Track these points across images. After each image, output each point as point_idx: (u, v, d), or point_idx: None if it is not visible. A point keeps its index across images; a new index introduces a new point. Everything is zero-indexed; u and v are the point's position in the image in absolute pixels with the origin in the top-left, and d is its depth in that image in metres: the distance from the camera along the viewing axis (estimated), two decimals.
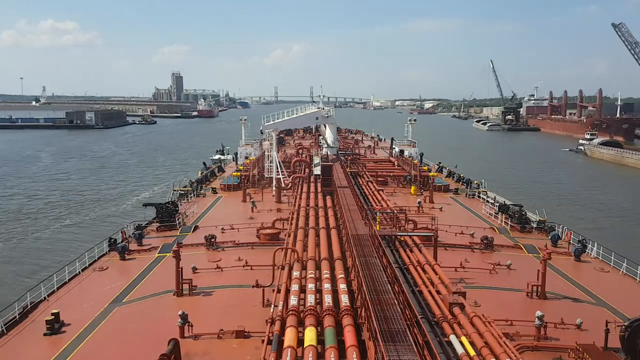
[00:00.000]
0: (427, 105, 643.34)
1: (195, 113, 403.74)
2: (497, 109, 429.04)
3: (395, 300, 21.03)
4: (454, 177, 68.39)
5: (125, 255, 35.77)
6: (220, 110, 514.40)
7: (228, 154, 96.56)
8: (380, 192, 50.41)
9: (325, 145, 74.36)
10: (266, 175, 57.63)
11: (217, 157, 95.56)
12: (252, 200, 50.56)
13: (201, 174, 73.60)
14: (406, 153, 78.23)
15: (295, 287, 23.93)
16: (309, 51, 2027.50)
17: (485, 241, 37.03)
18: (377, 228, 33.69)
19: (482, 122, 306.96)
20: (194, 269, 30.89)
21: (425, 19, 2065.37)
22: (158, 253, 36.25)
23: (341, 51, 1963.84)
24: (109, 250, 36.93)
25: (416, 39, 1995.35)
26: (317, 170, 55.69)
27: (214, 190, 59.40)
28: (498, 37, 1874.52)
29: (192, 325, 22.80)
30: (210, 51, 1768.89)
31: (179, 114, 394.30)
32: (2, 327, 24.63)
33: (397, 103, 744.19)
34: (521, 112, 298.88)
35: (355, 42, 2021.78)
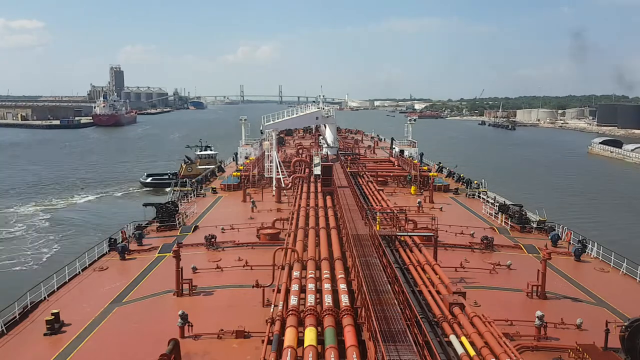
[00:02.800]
0: (417, 106, 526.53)
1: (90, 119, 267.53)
2: (543, 112, 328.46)
3: (395, 300, 21.04)
4: (454, 177, 68.35)
5: (125, 255, 35.76)
6: (163, 111, 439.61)
7: (211, 151, 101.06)
8: (380, 192, 50.37)
9: (325, 145, 74.38)
10: (266, 175, 57.63)
11: (204, 152, 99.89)
12: (252, 200, 50.55)
13: (181, 167, 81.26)
14: (406, 153, 78.21)
15: (295, 287, 23.93)
16: (280, 50, 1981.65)
17: (485, 241, 37.02)
18: (377, 228, 33.67)
19: None
20: (194, 269, 30.88)
21: (401, 19, 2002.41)
22: (158, 253, 36.25)
23: (313, 51, 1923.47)
24: (109, 250, 36.93)
25: (392, 39, 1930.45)
26: (317, 170, 55.66)
27: (214, 190, 59.41)
28: (479, 37, 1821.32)
29: (192, 325, 22.78)
30: (176, 50, 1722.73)
31: (66, 120, 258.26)
32: (2, 327, 24.61)
33: (376, 104, 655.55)
34: None
35: (328, 41, 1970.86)
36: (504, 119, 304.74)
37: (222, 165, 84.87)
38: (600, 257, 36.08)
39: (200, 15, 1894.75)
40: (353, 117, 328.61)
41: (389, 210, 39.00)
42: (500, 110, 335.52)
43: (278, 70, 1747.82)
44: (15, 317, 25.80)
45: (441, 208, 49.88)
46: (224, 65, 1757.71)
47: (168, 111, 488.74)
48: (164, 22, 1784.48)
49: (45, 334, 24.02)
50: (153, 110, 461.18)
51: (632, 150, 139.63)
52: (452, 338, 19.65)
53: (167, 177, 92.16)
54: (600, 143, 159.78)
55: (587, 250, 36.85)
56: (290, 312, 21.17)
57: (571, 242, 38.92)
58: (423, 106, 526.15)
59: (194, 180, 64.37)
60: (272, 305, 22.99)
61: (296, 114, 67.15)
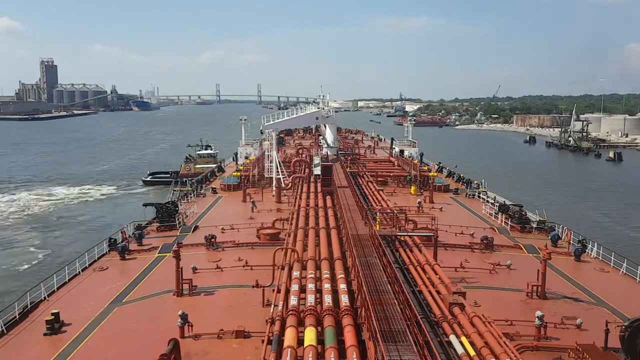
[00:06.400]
0: (409, 107, 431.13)
1: None
2: (630, 120, 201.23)
3: (395, 300, 21.05)
4: (454, 177, 68.35)
5: (125, 255, 35.75)
6: (70, 114, 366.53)
7: (211, 150, 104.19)
8: (380, 192, 50.37)
9: (325, 145, 74.38)
10: (266, 175, 57.61)
11: (204, 151, 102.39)
12: (252, 200, 50.54)
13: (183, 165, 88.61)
14: (406, 153, 78.24)
15: (295, 287, 23.95)
16: (260, 49, 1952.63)
17: (485, 241, 37.00)
18: (377, 228, 33.68)
19: None
20: (194, 269, 30.86)
21: (387, 18, 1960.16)
22: (158, 253, 36.24)
23: (295, 50, 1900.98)
24: (109, 250, 36.92)
25: (378, 38, 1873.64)
26: (317, 170, 55.66)
27: (214, 190, 59.40)
28: (462, 38, 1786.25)
29: (192, 325, 22.77)
30: (149, 49, 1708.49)
31: None
32: (2, 327, 24.60)
33: (360, 104, 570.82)
34: None
35: (310, 41, 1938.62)
36: (579, 133, 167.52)
37: (222, 165, 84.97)
38: (600, 257, 36.07)
39: (177, 13, 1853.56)
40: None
41: (389, 210, 38.99)
42: (573, 116, 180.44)
43: (257, 70, 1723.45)
44: (15, 317, 25.79)
45: (441, 208, 49.85)
46: (199, 65, 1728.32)
47: (85, 113, 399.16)
48: (132, 21, 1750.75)
49: (45, 334, 24.00)
50: (64, 113, 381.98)
51: None
52: (452, 338, 19.65)
53: (169, 175, 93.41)
54: None
55: (587, 250, 36.84)
56: (290, 312, 21.17)
57: (571, 242, 38.92)
58: (416, 107, 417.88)
59: (194, 180, 64.41)
60: (272, 305, 22.98)
61: (296, 114, 67.19)
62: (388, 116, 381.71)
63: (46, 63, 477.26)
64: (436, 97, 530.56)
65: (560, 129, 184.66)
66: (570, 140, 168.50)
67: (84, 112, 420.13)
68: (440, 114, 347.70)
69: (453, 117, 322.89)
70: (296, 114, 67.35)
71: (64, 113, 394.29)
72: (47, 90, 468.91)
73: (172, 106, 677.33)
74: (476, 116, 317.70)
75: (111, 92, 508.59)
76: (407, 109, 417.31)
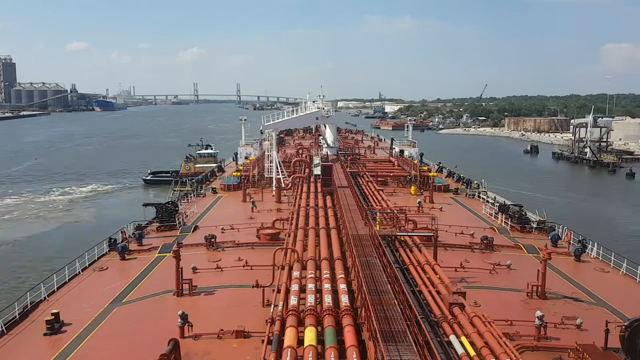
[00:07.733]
0: (389, 108, 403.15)
1: None
2: None
3: (395, 300, 21.05)
4: (454, 177, 68.37)
5: (125, 255, 35.75)
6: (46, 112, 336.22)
7: (212, 150, 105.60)
8: (380, 192, 50.37)
9: (325, 145, 74.39)
10: (266, 175, 57.61)
11: (205, 151, 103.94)
12: (252, 200, 50.55)
13: (184, 164, 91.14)
14: (406, 153, 78.26)
15: (295, 287, 23.96)
16: (240, 49, 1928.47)
17: (485, 241, 37.01)
18: (377, 228, 33.66)
19: None
20: (194, 269, 30.87)
21: (372, 18, 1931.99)
22: (158, 253, 36.24)
23: (277, 50, 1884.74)
24: (109, 250, 36.93)
25: (361, 39, 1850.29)
26: (317, 170, 55.69)
27: (214, 190, 59.41)
28: (445, 38, 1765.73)
29: (192, 325, 22.77)
30: (125, 50, 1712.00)
31: None
32: (2, 327, 24.62)
33: (340, 104, 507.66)
34: None
35: (294, 41, 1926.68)
36: (597, 142, 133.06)
37: (222, 165, 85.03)
38: (600, 257, 36.08)
39: (159, 10, 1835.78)
40: None
41: (389, 210, 38.98)
42: (590, 120, 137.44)
43: (237, 70, 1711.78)
44: (15, 317, 25.81)
45: (441, 208, 49.84)
46: (179, 64, 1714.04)
47: (35, 115, 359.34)
48: (114, 21, 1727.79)
49: (45, 334, 24.02)
50: (8, 114, 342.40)
51: None
52: (452, 338, 19.65)
53: (169, 174, 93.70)
54: None
55: (587, 250, 36.85)
56: (290, 312, 21.17)
57: (571, 242, 38.94)
58: (396, 108, 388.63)
59: (194, 180, 64.42)
60: (272, 305, 22.99)
61: (296, 114, 67.20)
62: (366, 117, 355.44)
63: (3, 60, 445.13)
64: (418, 98, 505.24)
65: (573, 136, 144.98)
66: (586, 152, 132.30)
67: (34, 113, 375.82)
68: (422, 115, 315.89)
69: (436, 119, 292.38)
70: (296, 114, 67.34)
71: (9, 114, 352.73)
72: (4, 90, 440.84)
73: (143, 106, 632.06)
74: (462, 118, 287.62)
75: (71, 92, 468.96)
76: (386, 110, 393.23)
